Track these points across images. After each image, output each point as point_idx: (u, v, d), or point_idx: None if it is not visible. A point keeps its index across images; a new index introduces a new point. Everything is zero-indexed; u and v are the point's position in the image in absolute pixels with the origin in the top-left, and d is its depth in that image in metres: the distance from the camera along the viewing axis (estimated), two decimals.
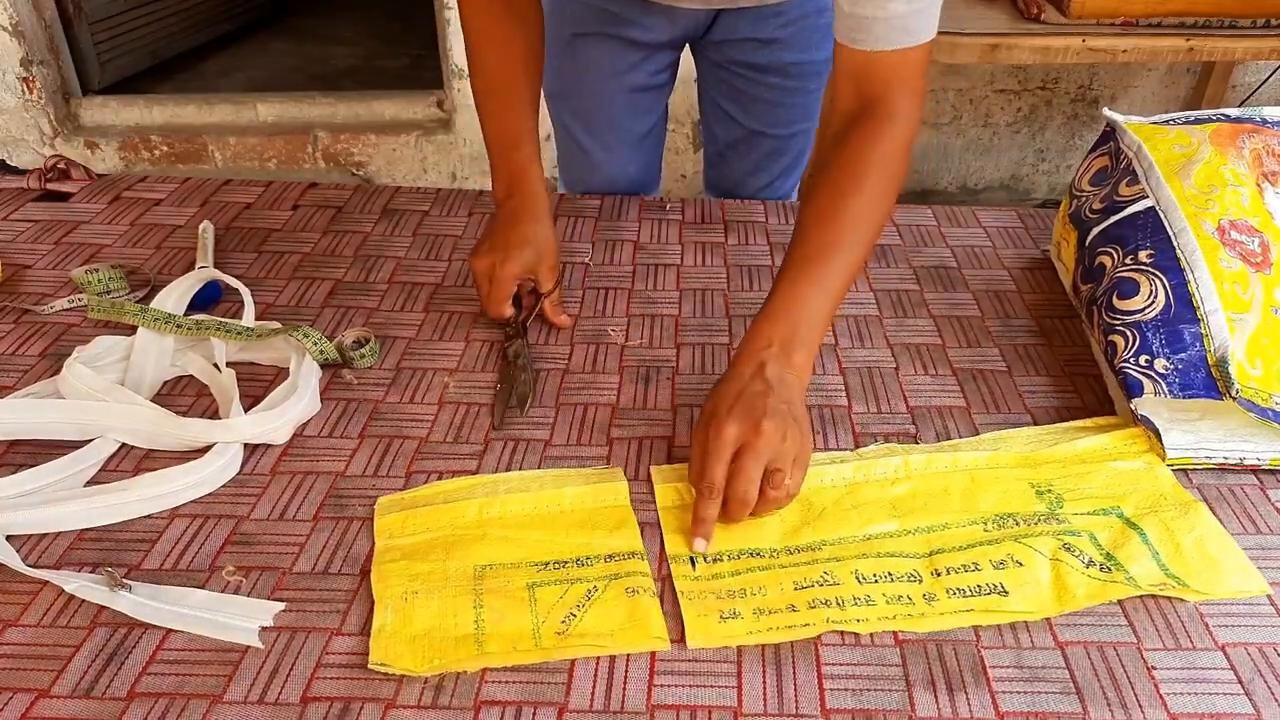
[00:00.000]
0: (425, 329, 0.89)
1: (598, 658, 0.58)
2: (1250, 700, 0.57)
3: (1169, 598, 0.63)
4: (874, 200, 0.77)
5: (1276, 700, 0.57)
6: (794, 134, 1.18)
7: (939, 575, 0.64)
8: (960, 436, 0.77)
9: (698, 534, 0.65)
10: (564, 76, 1.14)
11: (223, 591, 0.62)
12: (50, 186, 1.09)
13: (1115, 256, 0.83)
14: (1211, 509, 0.70)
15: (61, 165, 1.11)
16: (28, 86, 2.43)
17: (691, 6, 1.05)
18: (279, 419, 0.73)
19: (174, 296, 0.85)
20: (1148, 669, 0.59)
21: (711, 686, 0.57)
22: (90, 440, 0.72)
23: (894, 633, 0.60)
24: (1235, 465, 0.73)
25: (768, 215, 1.09)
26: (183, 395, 0.79)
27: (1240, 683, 0.58)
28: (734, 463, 0.66)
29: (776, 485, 0.66)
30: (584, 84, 1.14)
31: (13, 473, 0.68)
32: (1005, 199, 2.76)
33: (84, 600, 0.61)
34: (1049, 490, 0.70)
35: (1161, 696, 0.57)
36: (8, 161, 2.52)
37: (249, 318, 0.85)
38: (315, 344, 0.81)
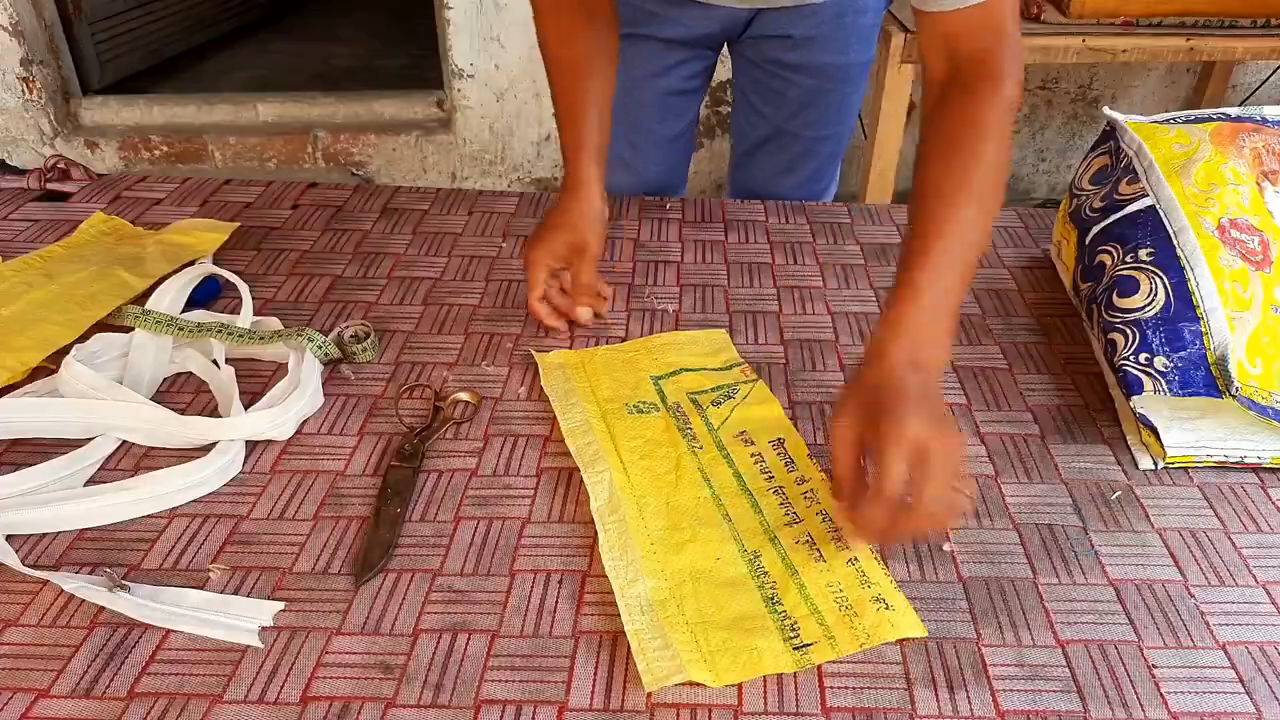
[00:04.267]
0: (424, 322, 0.89)
1: (597, 657, 0.58)
2: (1251, 699, 0.57)
3: (1169, 595, 0.63)
4: (989, 167, 0.71)
5: (1277, 699, 0.57)
6: (825, 136, 1.18)
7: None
8: (961, 433, 0.77)
9: (867, 539, 0.62)
10: None
11: (218, 591, 0.62)
12: (50, 186, 1.09)
13: (1115, 255, 0.83)
14: (1212, 507, 0.70)
15: (61, 165, 1.11)
16: (28, 86, 2.43)
17: (732, 5, 1.05)
18: (283, 415, 0.73)
19: (172, 292, 0.85)
20: (1148, 667, 0.58)
21: (712, 685, 0.57)
22: (90, 439, 0.72)
23: None
24: (1235, 464, 0.73)
25: (768, 214, 1.09)
26: (182, 393, 0.79)
27: (1241, 681, 0.58)
28: (917, 469, 0.59)
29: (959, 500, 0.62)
30: (620, 86, 1.14)
31: (12, 472, 0.68)
32: (1006, 198, 2.76)
33: (84, 600, 0.61)
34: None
35: (1162, 695, 0.57)
36: (8, 161, 2.52)
37: (247, 313, 0.85)
38: (320, 347, 0.80)
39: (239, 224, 1.01)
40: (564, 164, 0.91)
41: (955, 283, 0.68)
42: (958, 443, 0.63)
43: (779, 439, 0.75)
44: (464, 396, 0.79)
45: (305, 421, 0.76)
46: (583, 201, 0.89)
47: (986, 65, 0.73)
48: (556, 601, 0.62)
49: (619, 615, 0.61)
